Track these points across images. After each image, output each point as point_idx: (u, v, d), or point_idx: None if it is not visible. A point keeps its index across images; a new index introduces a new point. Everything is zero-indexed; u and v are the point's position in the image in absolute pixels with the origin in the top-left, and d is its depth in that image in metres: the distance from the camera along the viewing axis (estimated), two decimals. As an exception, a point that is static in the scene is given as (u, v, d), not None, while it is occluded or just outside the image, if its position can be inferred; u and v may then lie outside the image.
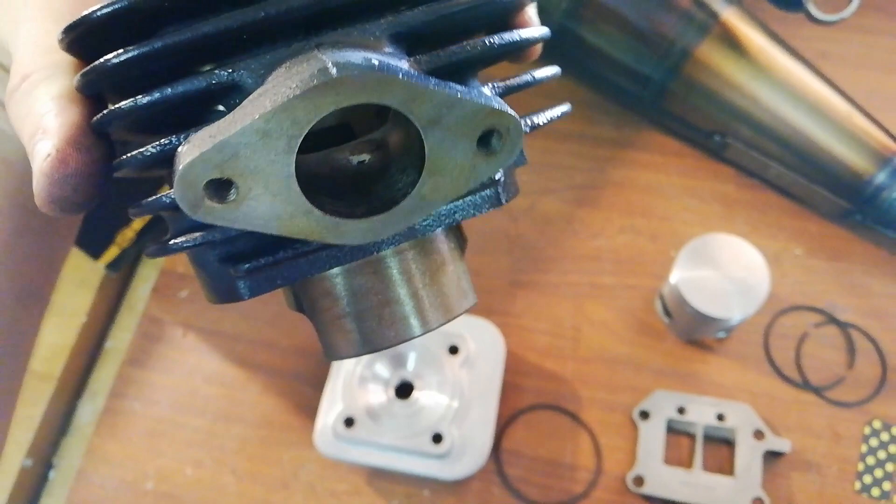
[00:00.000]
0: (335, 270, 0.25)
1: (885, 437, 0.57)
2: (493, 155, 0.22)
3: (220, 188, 0.20)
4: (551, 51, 0.69)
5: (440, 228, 0.25)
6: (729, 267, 0.56)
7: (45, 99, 0.23)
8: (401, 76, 0.19)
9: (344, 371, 0.53)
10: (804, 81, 0.62)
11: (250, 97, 0.20)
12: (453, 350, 0.54)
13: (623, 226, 0.66)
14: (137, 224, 0.65)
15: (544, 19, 0.66)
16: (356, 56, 0.19)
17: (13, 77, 0.25)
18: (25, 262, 0.34)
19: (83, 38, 0.23)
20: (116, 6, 0.21)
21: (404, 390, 0.54)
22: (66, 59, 0.24)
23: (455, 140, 0.21)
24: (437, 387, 0.53)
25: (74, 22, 0.22)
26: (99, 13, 0.22)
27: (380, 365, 0.54)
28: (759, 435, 0.56)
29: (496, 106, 0.21)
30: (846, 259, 0.64)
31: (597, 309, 0.62)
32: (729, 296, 0.55)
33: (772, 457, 0.56)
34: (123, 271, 0.66)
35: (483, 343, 0.55)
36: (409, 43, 0.22)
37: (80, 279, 0.63)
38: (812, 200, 0.65)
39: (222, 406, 0.59)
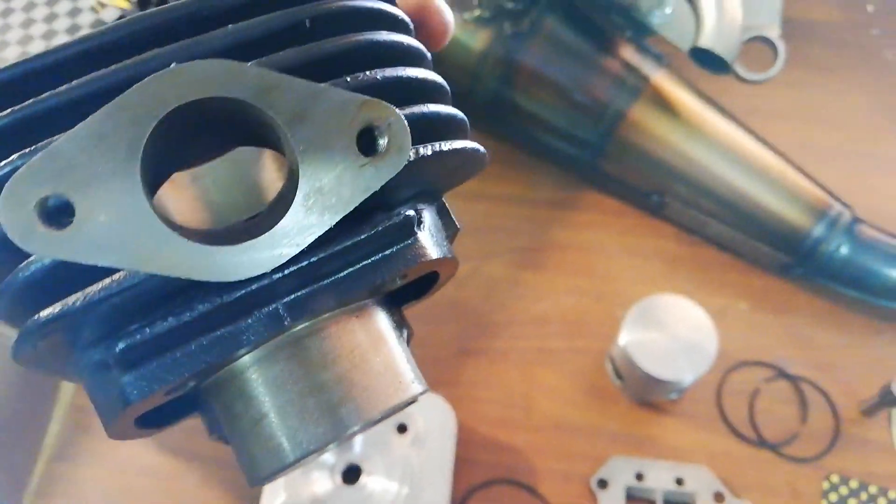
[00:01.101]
0: (246, 360, 0.21)
1: (843, 490, 0.56)
2: (380, 158, 0.19)
3: (57, 212, 0.17)
4: (488, 117, 0.69)
5: (360, 294, 0.22)
6: (676, 327, 0.55)
7: None
8: (250, 65, 0.18)
9: (287, 457, 0.51)
10: (736, 139, 0.63)
11: None
12: (402, 429, 0.52)
13: (568, 287, 0.65)
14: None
15: (479, 87, 0.66)
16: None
17: None
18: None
19: None
20: None
21: (352, 475, 0.51)
22: None
23: (329, 138, 0.19)
24: (385, 470, 0.50)
25: None
26: None
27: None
28: (718, 497, 0.55)
29: (367, 97, 0.19)
30: (791, 312, 0.64)
31: (547, 374, 0.61)
32: (678, 357, 0.54)
33: (733, 519, 0.55)
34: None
35: (433, 419, 0.53)
36: None
37: (0, 371, 0.59)
38: (753, 256, 0.65)
39: (159, 500, 0.55)
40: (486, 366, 0.61)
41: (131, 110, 0.17)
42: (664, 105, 0.64)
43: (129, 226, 0.17)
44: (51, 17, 0.49)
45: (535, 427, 0.59)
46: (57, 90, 0.18)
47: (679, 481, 0.55)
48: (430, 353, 0.61)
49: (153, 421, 0.23)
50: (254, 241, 0.18)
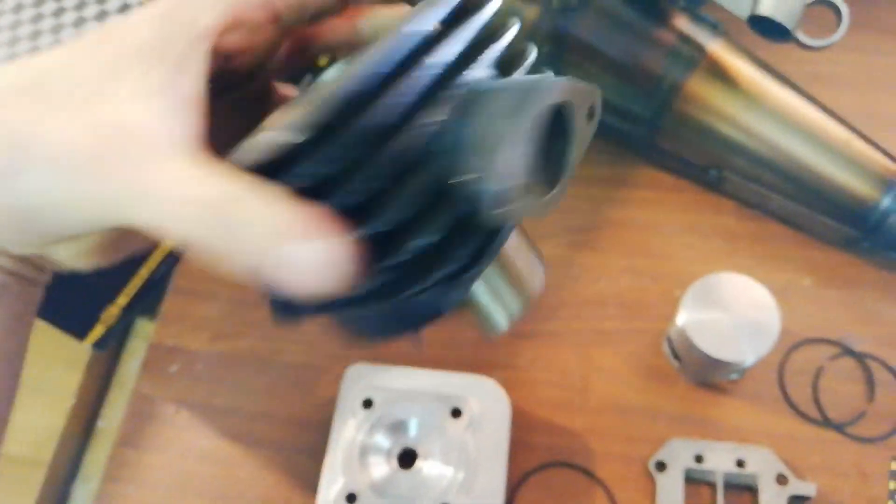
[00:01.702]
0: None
1: (914, 473, 0.54)
2: (592, 121, 0.28)
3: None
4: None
5: None
6: (737, 307, 0.54)
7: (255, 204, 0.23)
8: (580, 82, 0.26)
9: (343, 442, 0.51)
10: (798, 109, 0.61)
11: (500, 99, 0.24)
12: (456, 413, 0.52)
13: (624, 267, 0.64)
14: (122, 300, 0.63)
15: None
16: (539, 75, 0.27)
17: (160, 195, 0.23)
18: None
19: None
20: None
21: (407, 459, 0.51)
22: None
23: (582, 116, 0.27)
24: (440, 454, 0.51)
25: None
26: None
27: (380, 435, 0.52)
28: (782, 479, 0.53)
29: (592, 85, 0.27)
30: (857, 287, 0.62)
31: (604, 356, 0.60)
32: (739, 337, 0.53)
33: (797, 501, 0.53)
34: (111, 348, 0.64)
35: (487, 402, 0.53)
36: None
37: (66, 359, 0.61)
38: (817, 230, 0.63)
39: (220, 485, 0.56)
40: (541, 348, 0.61)
41: (535, 106, 0.24)
42: (722, 76, 0.61)
43: (522, 184, 0.24)
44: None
45: (592, 409, 0.58)
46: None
47: (740, 463, 0.54)
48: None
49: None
50: (556, 188, 0.26)
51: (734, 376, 0.58)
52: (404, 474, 0.50)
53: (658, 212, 0.66)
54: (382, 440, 0.51)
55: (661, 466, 0.55)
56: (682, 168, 0.66)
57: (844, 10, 0.69)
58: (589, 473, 0.55)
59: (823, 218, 0.61)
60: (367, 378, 0.54)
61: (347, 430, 0.52)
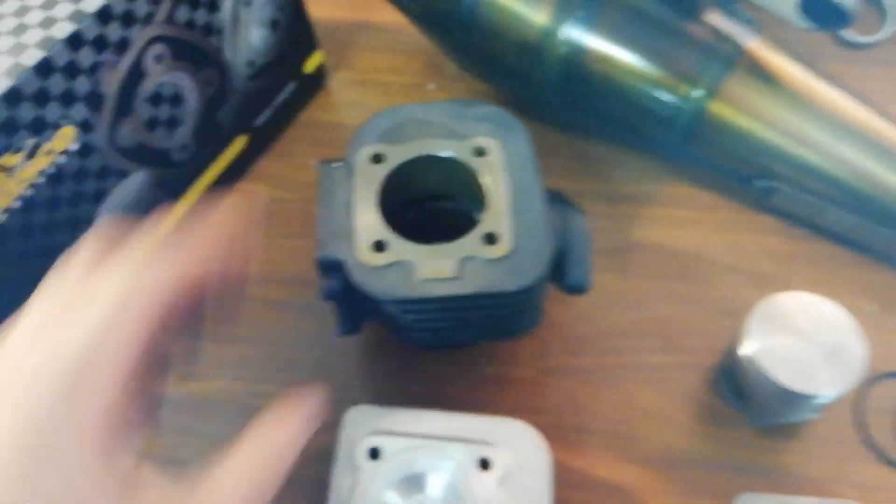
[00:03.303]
0: None
1: None
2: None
3: None
4: (555, 103, 0.59)
5: None
6: (812, 331, 0.45)
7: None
8: None
9: (346, 502, 0.40)
10: (850, 109, 0.53)
11: None
12: (484, 464, 0.42)
13: (662, 293, 0.55)
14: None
15: (543, 67, 0.57)
16: None
17: None
18: None
19: None
20: None
21: (428, 524, 0.41)
22: None
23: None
24: (471, 516, 0.40)
25: None
26: None
27: (391, 492, 0.41)
28: (878, 541, 0.44)
29: None
30: (930, 312, 0.54)
31: (648, 395, 0.51)
32: (819, 366, 0.44)
33: (898, 568, 0.44)
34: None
35: (521, 450, 0.43)
36: None
37: None
38: (878, 246, 0.55)
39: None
40: (574, 386, 0.51)
41: None
42: (763, 75, 0.54)
43: None
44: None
45: (640, 460, 0.48)
46: None
47: (827, 522, 0.44)
48: (508, 371, 0.51)
49: None
50: None
51: (812, 416, 0.48)
52: (426, 543, 0.39)
53: (694, 232, 0.58)
54: (394, 499, 0.41)
55: (732, 528, 0.45)
56: (722, 180, 0.58)
57: (891, 3, 0.63)
58: (646, 538, 0.45)
59: (886, 231, 0.53)
60: (372, 423, 0.43)
61: (350, 488, 0.41)
